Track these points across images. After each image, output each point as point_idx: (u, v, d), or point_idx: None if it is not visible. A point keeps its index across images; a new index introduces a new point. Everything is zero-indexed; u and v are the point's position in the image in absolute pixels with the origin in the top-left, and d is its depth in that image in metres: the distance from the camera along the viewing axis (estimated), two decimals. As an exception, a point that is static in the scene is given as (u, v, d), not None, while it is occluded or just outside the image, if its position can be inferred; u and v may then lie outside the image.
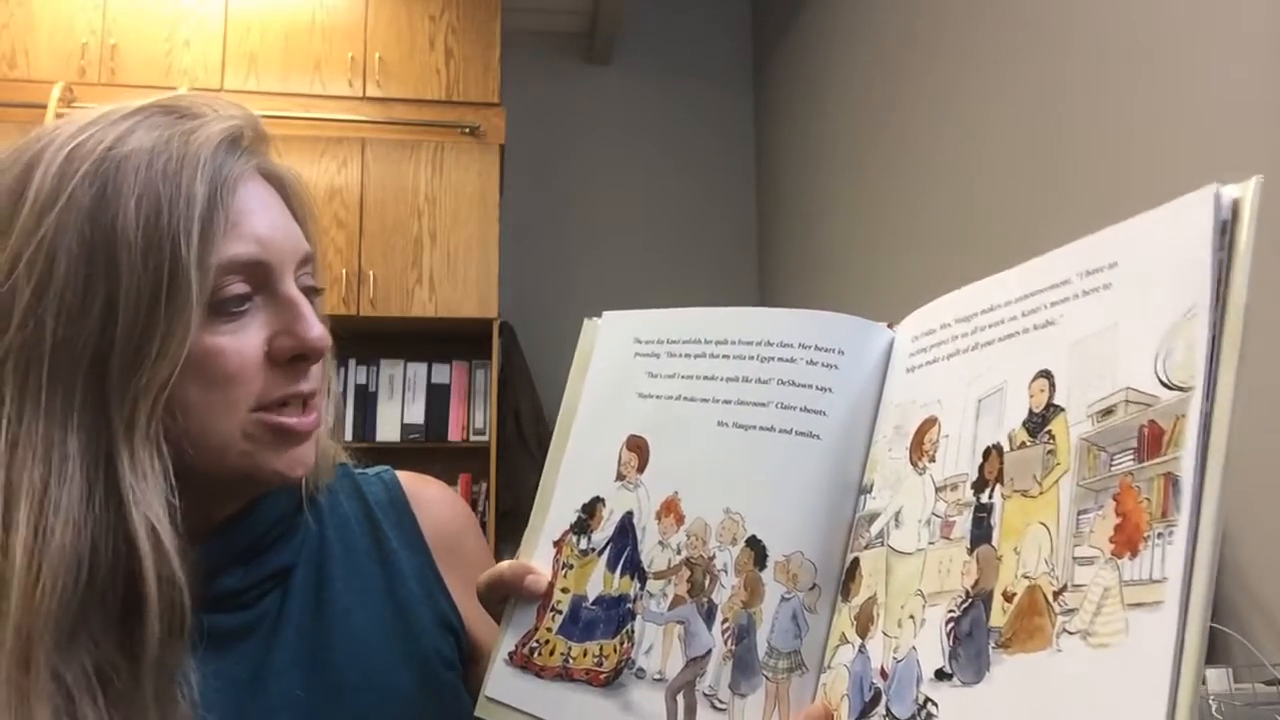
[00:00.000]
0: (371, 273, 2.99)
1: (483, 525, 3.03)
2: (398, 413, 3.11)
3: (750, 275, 3.84)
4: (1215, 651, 1.41)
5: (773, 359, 0.60)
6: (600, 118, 3.84)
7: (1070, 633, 0.42)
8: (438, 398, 3.13)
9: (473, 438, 3.10)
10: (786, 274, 3.58)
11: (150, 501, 0.55)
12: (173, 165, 0.57)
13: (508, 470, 3.06)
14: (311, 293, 0.65)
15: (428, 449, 3.07)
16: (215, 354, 0.58)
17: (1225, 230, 0.43)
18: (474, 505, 3.09)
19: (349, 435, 3.04)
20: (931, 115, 2.49)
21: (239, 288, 0.59)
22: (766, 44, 3.83)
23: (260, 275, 0.61)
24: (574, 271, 3.66)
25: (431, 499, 0.78)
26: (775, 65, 3.71)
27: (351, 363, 3.11)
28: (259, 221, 0.61)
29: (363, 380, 3.11)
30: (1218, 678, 1.22)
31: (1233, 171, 1.42)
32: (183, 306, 0.56)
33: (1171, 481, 0.40)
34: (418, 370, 3.14)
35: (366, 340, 3.09)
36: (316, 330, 0.61)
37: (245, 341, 0.59)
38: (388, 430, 3.09)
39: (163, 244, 0.56)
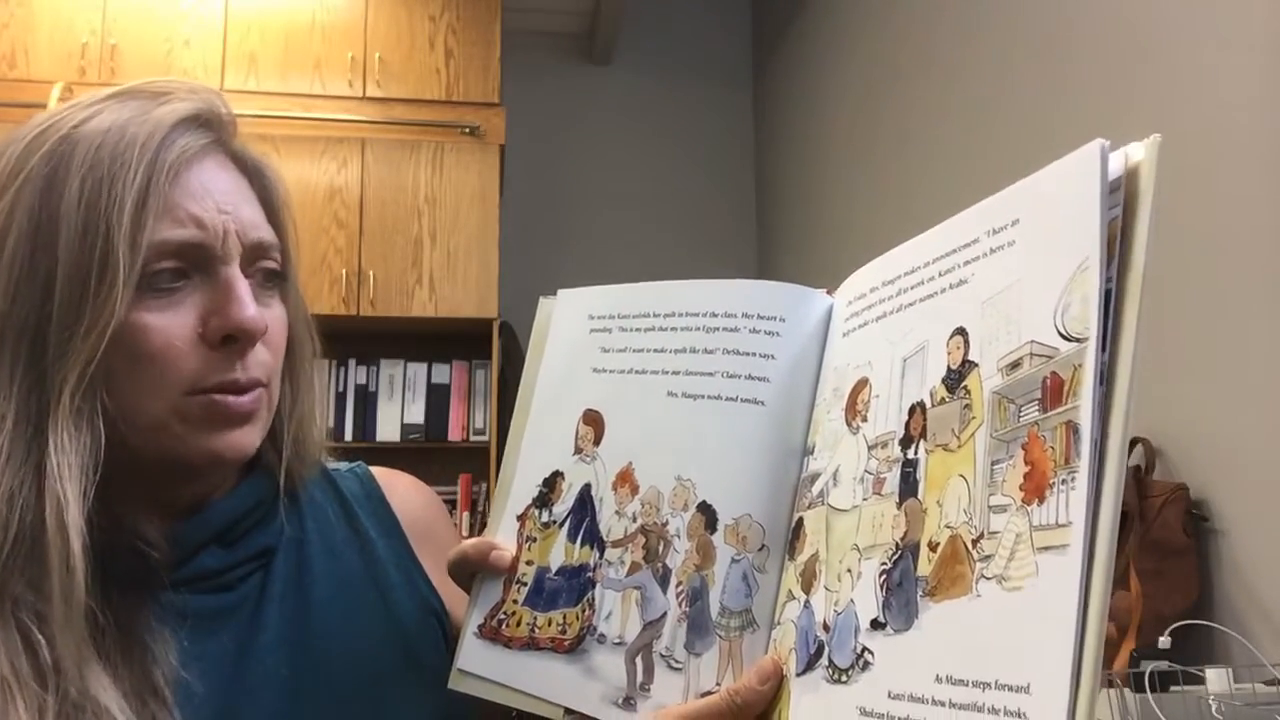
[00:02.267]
0: (371, 273, 3.00)
1: (483, 525, 3.03)
2: (398, 413, 3.11)
3: (751, 275, 3.84)
4: (1215, 651, 1.41)
5: (718, 329, 0.62)
6: (600, 118, 3.84)
7: (987, 578, 0.44)
8: (438, 398, 3.13)
9: (473, 438, 3.10)
10: (787, 272, 3.58)
11: (64, 476, 0.55)
12: (121, 144, 0.58)
13: (508, 470, 3.06)
14: (273, 279, 0.65)
15: (428, 449, 3.07)
16: (141, 330, 0.58)
17: (1119, 187, 0.44)
18: (474, 505, 3.09)
19: (349, 435, 3.04)
20: (930, 113, 2.49)
21: (168, 264, 0.59)
22: (766, 43, 3.83)
23: (196, 257, 0.60)
24: (574, 271, 3.65)
25: (404, 489, 0.80)
26: (775, 65, 3.71)
27: (351, 363, 3.11)
28: (202, 204, 0.61)
29: (363, 380, 3.12)
30: (1218, 678, 1.22)
31: (1230, 166, 1.42)
32: (112, 284, 0.56)
33: (1072, 429, 0.42)
34: (418, 370, 3.15)
35: (366, 340, 3.09)
36: (249, 311, 0.61)
37: (174, 320, 0.59)
38: (388, 430, 3.09)
39: (98, 222, 0.57)
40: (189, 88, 0.64)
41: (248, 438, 0.63)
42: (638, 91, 3.87)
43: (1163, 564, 1.46)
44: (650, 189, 3.81)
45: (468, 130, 3.12)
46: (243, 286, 0.61)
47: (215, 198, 0.62)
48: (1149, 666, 1.21)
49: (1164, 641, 1.27)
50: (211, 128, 0.64)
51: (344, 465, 0.80)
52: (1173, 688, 1.22)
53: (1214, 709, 1.16)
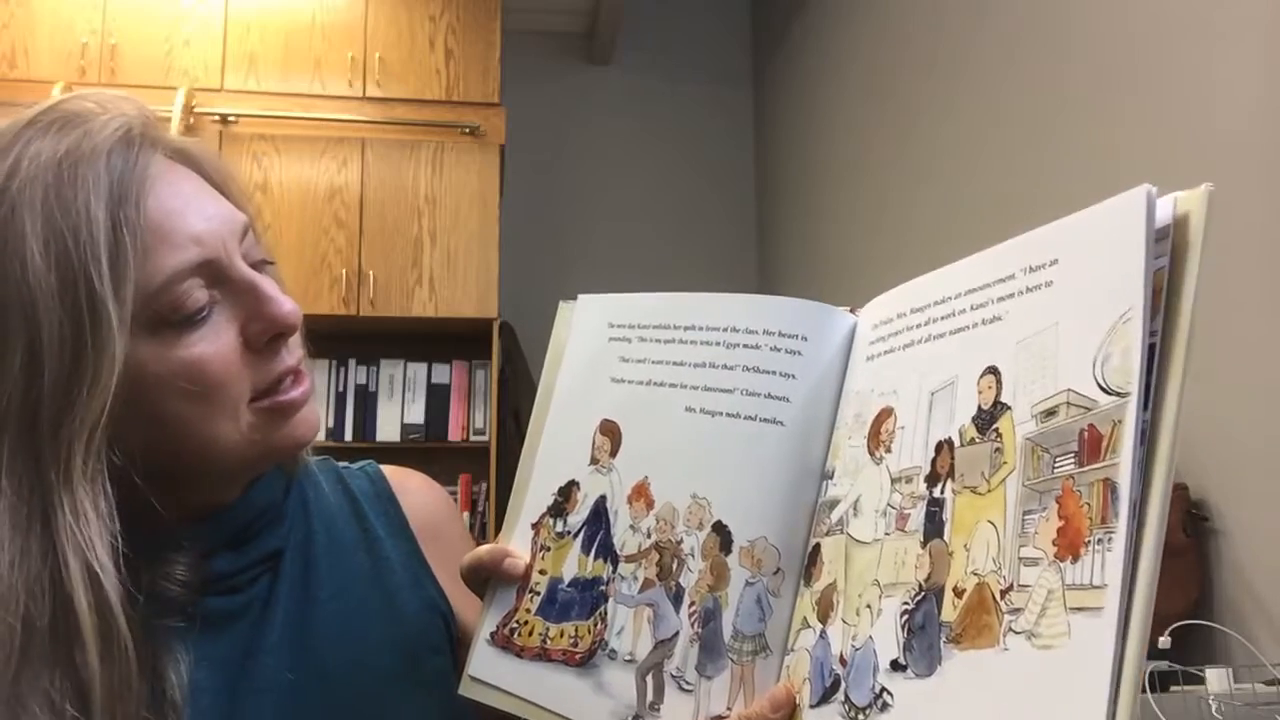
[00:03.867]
0: (371, 273, 2.99)
1: (483, 525, 3.03)
2: (398, 413, 3.11)
3: (751, 275, 3.84)
4: (1215, 651, 1.41)
5: (738, 345, 0.61)
6: (600, 118, 3.84)
7: (1016, 632, 0.43)
8: (438, 398, 3.13)
9: (473, 438, 3.10)
10: (787, 273, 3.58)
11: (91, 543, 0.53)
12: (67, 191, 0.54)
13: (508, 470, 3.05)
14: (261, 265, 0.63)
15: (428, 449, 3.07)
16: (197, 363, 0.57)
17: (1166, 235, 0.42)
18: (474, 505, 3.09)
19: (349, 435, 3.04)
20: (929, 112, 2.49)
21: (199, 295, 0.58)
22: (766, 44, 3.83)
23: (211, 272, 0.59)
24: (574, 271, 3.65)
25: (415, 490, 0.79)
26: (775, 65, 3.71)
27: (351, 363, 3.11)
28: (188, 220, 0.58)
29: (363, 380, 3.12)
30: (1218, 678, 1.22)
31: (1230, 171, 1.42)
32: (107, 339, 0.53)
33: (1110, 488, 0.41)
34: (418, 370, 3.15)
35: (366, 340, 3.09)
36: (286, 305, 0.61)
37: (220, 341, 0.59)
38: (388, 430, 3.09)
39: (76, 280, 0.53)
40: (99, 102, 0.60)
41: (313, 414, 0.64)
42: (638, 91, 3.87)
43: (1163, 564, 1.46)
44: (650, 189, 3.81)
45: (468, 130, 3.11)
46: (266, 283, 0.61)
47: (192, 205, 0.59)
48: (1149, 666, 1.21)
49: (1164, 641, 1.27)
50: (145, 137, 0.59)
51: (355, 464, 0.80)
52: (1173, 688, 1.22)
53: (1214, 709, 1.16)
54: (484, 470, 3.04)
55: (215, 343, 0.58)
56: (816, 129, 3.29)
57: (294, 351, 0.63)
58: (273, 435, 0.61)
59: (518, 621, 0.64)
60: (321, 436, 0.75)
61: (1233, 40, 1.50)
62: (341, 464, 0.79)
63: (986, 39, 2.24)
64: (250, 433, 0.60)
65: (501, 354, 3.12)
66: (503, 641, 0.64)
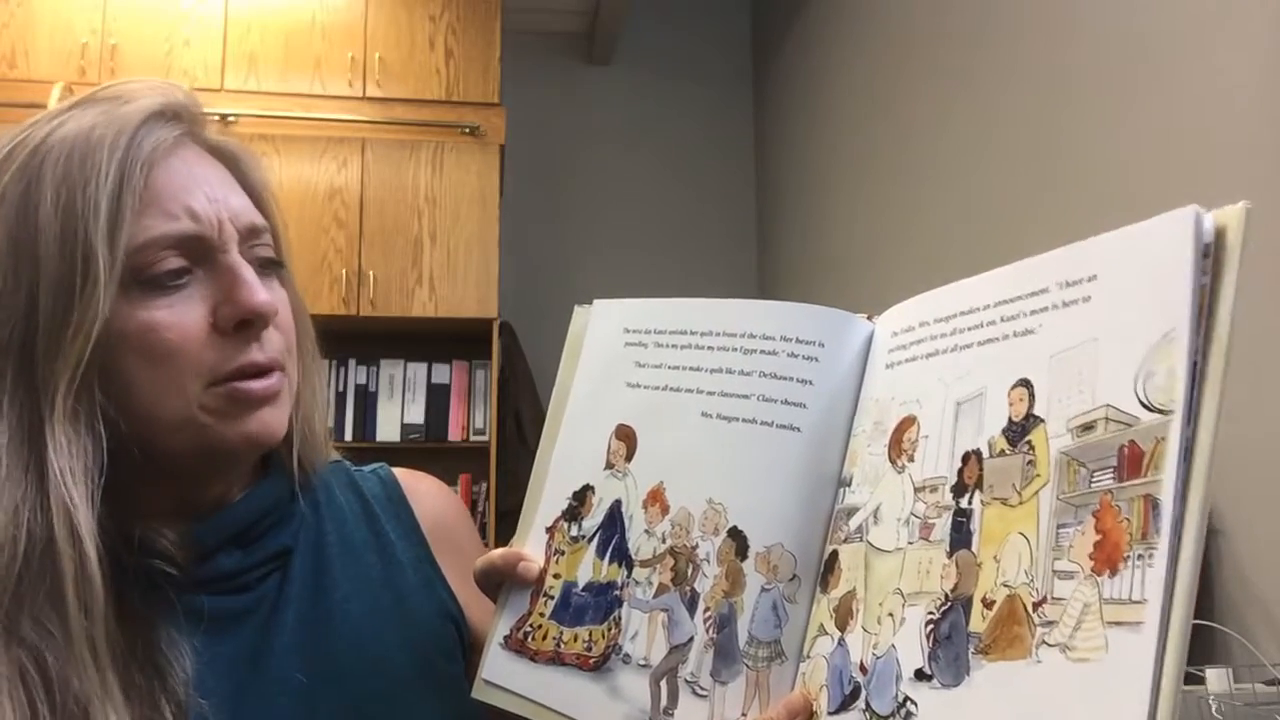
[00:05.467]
0: (371, 273, 2.99)
1: (483, 525, 3.03)
2: (398, 413, 3.11)
3: (750, 275, 3.84)
4: (1215, 651, 1.41)
5: (755, 351, 0.61)
6: (600, 118, 3.84)
7: (1050, 644, 0.43)
8: (438, 398, 3.14)
9: (473, 438, 3.10)
10: (786, 274, 3.58)
11: (68, 482, 0.56)
12: (89, 147, 0.58)
13: (508, 470, 3.06)
14: (270, 265, 0.65)
15: (428, 449, 3.07)
16: (153, 328, 0.58)
17: (1209, 254, 0.43)
18: (474, 505, 3.09)
19: (349, 435, 3.05)
20: (930, 114, 2.49)
21: (173, 262, 0.60)
22: (766, 44, 3.83)
23: (197, 248, 0.61)
24: (574, 271, 3.66)
25: (426, 492, 0.79)
26: (775, 65, 3.71)
27: (351, 363, 3.11)
28: (192, 195, 0.61)
29: (363, 380, 3.12)
30: (1218, 678, 1.22)
31: (1230, 173, 1.41)
32: (94, 285, 0.56)
33: (1152, 504, 0.41)
34: (418, 370, 3.15)
35: (366, 340, 3.09)
36: (260, 295, 0.61)
37: (185, 314, 0.60)
38: (388, 430, 3.09)
39: (75, 227, 0.57)
40: (150, 85, 0.64)
41: (274, 417, 0.63)
42: (638, 91, 3.87)
43: (1163, 564, 1.46)
44: (650, 189, 3.81)
45: (468, 130, 3.12)
46: (248, 271, 0.62)
47: (202, 187, 0.62)
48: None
49: (1164, 641, 1.26)
50: (181, 120, 0.63)
51: (367, 466, 0.80)
52: (1173, 687, 1.22)
53: (1214, 709, 1.16)
54: (484, 470, 3.04)
55: (180, 314, 0.60)
56: (816, 129, 3.29)
57: (266, 348, 0.63)
58: (224, 425, 0.61)
59: (531, 625, 0.64)
60: (326, 430, 0.74)
61: (1238, 43, 1.50)
62: (353, 467, 0.79)
63: (988, 40, 2.23)
64: (203, 415, 0.60)
65: (501, 354, 3.12)
66: (516, 645, 0.64)
